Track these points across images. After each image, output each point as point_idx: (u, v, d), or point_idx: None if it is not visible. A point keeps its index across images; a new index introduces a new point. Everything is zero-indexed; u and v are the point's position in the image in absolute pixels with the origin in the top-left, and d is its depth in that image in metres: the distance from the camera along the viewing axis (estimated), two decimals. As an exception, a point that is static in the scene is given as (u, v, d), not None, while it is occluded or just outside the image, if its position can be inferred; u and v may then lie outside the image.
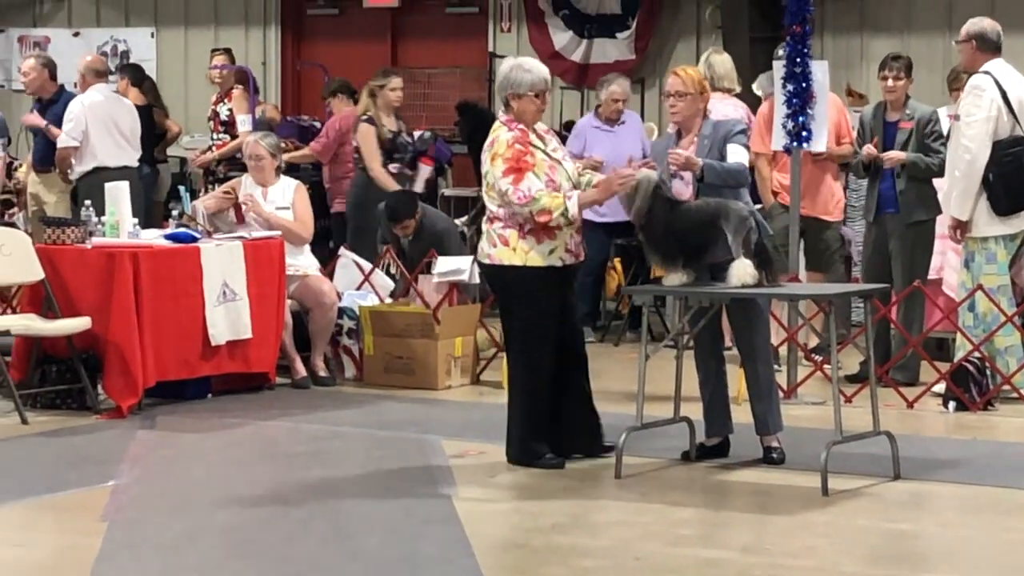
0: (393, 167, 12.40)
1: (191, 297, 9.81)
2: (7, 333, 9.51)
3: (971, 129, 9.75)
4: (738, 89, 11.92)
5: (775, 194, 11.14)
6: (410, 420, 9.51)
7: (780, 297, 8.58)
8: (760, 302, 8.24)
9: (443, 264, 10.98)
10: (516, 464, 8.16)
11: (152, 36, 16.95)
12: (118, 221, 10.04)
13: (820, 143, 10.19)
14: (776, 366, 8.96)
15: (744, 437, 8.33)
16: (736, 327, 8.31)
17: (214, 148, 13.77)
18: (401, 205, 11.53)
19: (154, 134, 14.17)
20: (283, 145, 11.88)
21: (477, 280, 10.83)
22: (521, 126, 8.14)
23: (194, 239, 10.11)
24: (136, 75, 14.38)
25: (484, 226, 8.25)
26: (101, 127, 12.48)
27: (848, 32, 14.58)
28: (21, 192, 13.84)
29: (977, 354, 9.83)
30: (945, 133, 10.45)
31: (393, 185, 12.19)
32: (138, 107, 13.23)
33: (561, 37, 15.45)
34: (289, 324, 10.49)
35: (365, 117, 12.40)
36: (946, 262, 10.98)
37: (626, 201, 8.05)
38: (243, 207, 10.69)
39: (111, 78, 13.59)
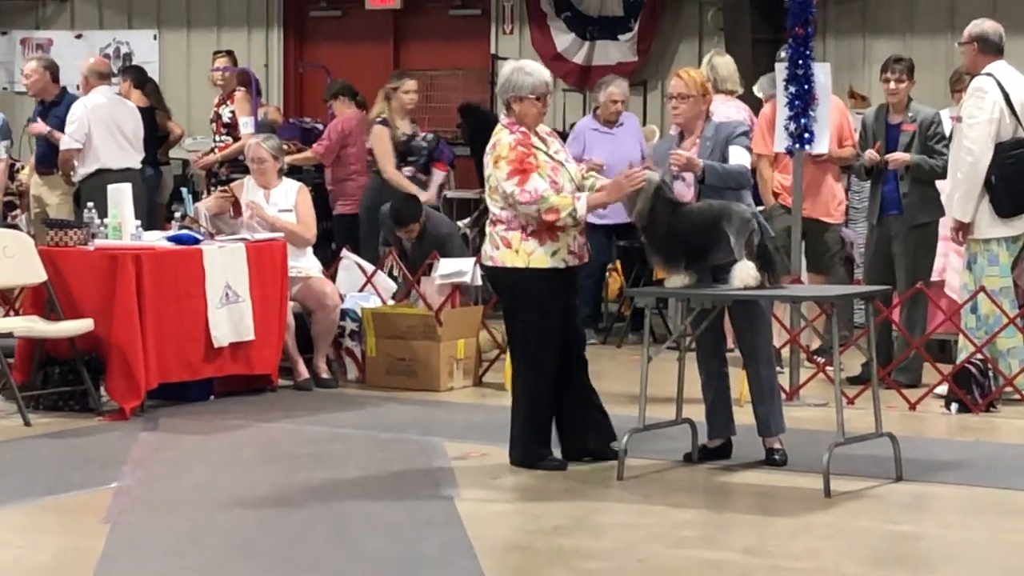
0: (407, 170, 12.40)
1: (193, 299, 9.82)
2: (10, 335, 9.51)
3: (973, 131, 9.75)
4: (741, 91, 11.93)
5: (776, 195, 11.13)
6: (412, 422, 9.52)
7: (782, 299, 8.58)
8: (762, 304, 8.24)
9: (445, 266, 10.98)
10: (518, 466, 8.16)
11: (154, 38, 16.95)
12: (120, 223, 10.04)
13: (822, 145, 10.19)
14: (778, 368, 8.95)
15: (746, 439, 8.34)
16: (738, 329, 8.32)
17: (216, 150, 13.77)
18: (406, 209, 11.54)
19: (156, 136, 14.17)
20: (285, 147, 11.89)
21: (479, 282, 10.84)
22: (523, 129, 8.14)
23: (196, 241, 10.12)
24: (138, 77, 14.39)
25: (487, 229, 8.26)
26: (104, 129, 12.49)
27: (850, 34, 14.57)
28: (24, 194, 13.85)
29: (979, 356, 9.83)
30: (947, 135, 10.46)
31: (408, 186, 12.18)
32: (140, 109, 13.23)
33: (563, 39, 15.45)
34: (291, 326, 10.50)
35: (379, 119, 12.41)
36: (948, 264, 10.97)
37: (628, 203, 8.06)
38: (245, 213, 10.68)
39: (114, 80, 13.59)
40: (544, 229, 8.04)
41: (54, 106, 12.88)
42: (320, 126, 14.12)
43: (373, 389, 10.56)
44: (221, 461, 8.49)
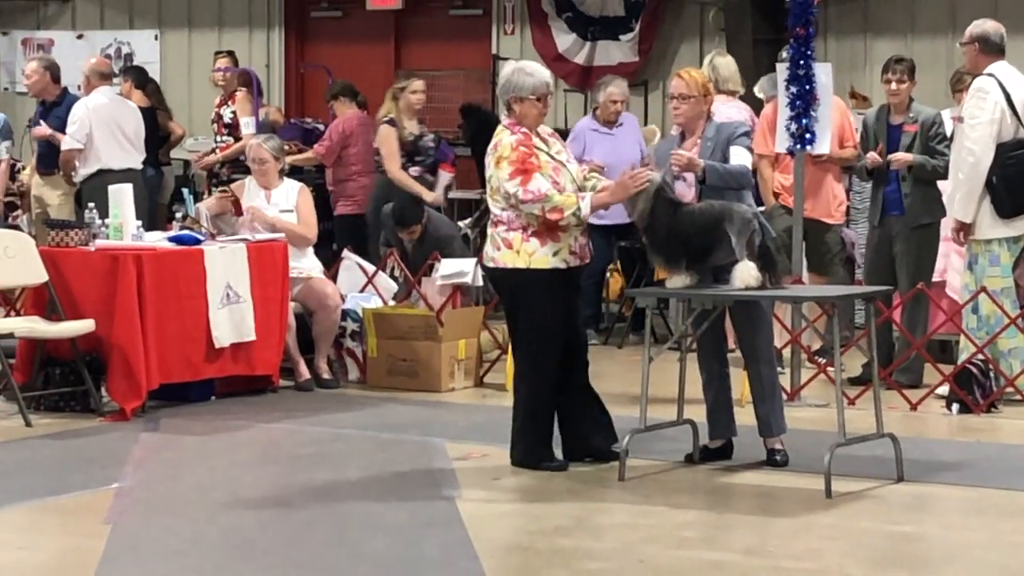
0: (414, 170, 12.39)
1: (195, 299, 9.82)
2: (11, 335, 9.51)
3: (975, 132, 9.75)
4: (742, 91, 11.93)
5: (776, 195, 11.13)
6: (413, 422, 9.52)
7: (783, 299, 8.58)
8: (763, 304, 8.24)
9: (446, 267, 10.98)
10: (519, 466, 8.16)
11: (156, 38, 16.95)
12: (122, 223, 10.04)
13: (823, 145, 10.18)
14: (779, 368, 8.95)
15: (747, 439, 8.33)
16: (739, 329, 8.31)
17: (217, 151, 13.77)
18: (408, 210, 11.55)
19: (158, 136, 14.17)
20: (286, 148, 11.89)
21: (480, 282, 10.84)
22: (524, 129, 8.14)
23: (197, 241, 10.12)
24: (140, 77, 14.39)
25: (488, 230, 8.26)
26: (105, 129, 12.49)
27: (851, 34, 14.57)
28: (25, 194, 13.85)
29: (980, 356, 9.83)
30: (948, 135, 10.46)
31: (413, 186, 12.17)
32: (142, 109, 13.23)
33: (564, 39, 15.44)
34: (292, 326, 10.50)
35: (387, 119, 12.40)
36: (949, 264, 10.97)
37: (629, 203, 8.06)
38: (245, 216, 10.68)
39: (115, 80, 13.59)
40: (545, 230, 8.04)
41: (55, 106, 12.88)
42: (321, 126, 14.12)
43: (374, 390, 10.56)
44: (222, 462, 8.49)
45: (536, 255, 8.05)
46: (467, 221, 13.12)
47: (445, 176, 12.89)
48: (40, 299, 9.76)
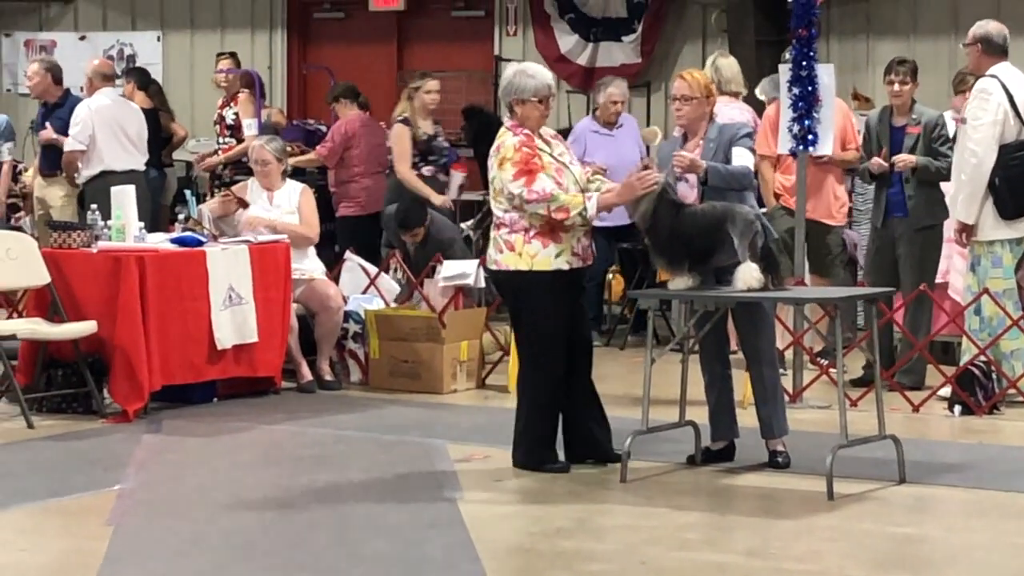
0: (427, 170, 12.37)
1: (197, 301, 9.82)
2: (13, 337, 9.51)
3: (977, 133, 9.75)
4: (744, 92, 11.93)
5: (777, 196, 11.13)
6: (415, 424, 9.52)
7: (786, 301, 8.58)
8: (766, 306, 8.24)
9: (448, 268, 10.98)
10: (521, 468, 8.16)
11: (158, 40, 16.95)
12: (124, 225, 10.04)
13: (826, 146, 10.18)
14: (781, 370, 8.95)
15: (749, 441, 8.33)
16: (741, 331, 8.31)
17: (220, 152, 13.78)
18: (412, 213, 11.55)
19: (160, 138, 14.18)
20: (289, 149, 11.89)
21: (482, 284, 10.84)
22: (526, 131, 8.14)
23: (200, 243, 10.12)
24: (142, 79, 14.39)
25: (491, 232, 8.26)
26: (108, 131, 12.50)
27: (854, 35, 14.56)
28: (27, 196, 13.86)
29: (983, 358, 9.83)
30: (951, 136, 10.46)
31: (421, 188, 12.15)
32: (144, 111, 13.24)
33: (567, 40, 15.44)
34: (295, 328, 10.50)
35: (401, 118, 12.40)
36: (952, 266, 10.97)
37: (631, 205, 8.06)
38: (248, 224, 10.68)
39: (117, 82, 13.60)
40: (547, 231, 8.04)
41: (57, 108, 12.89)
42: (324, 128, 14.13)
43: (376, 391, 10.56)
44: (224, 463, 8.49)
45: (538, 257, 8.05)
46: (469, 223, 13.12)
47: (458, 176, 12.89)
48: (42, 301, 9.77)
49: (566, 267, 8.10)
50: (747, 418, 8.48)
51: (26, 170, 14.13)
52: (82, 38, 17.09)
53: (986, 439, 9.13)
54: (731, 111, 11.06)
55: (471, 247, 12.52)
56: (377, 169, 13.15)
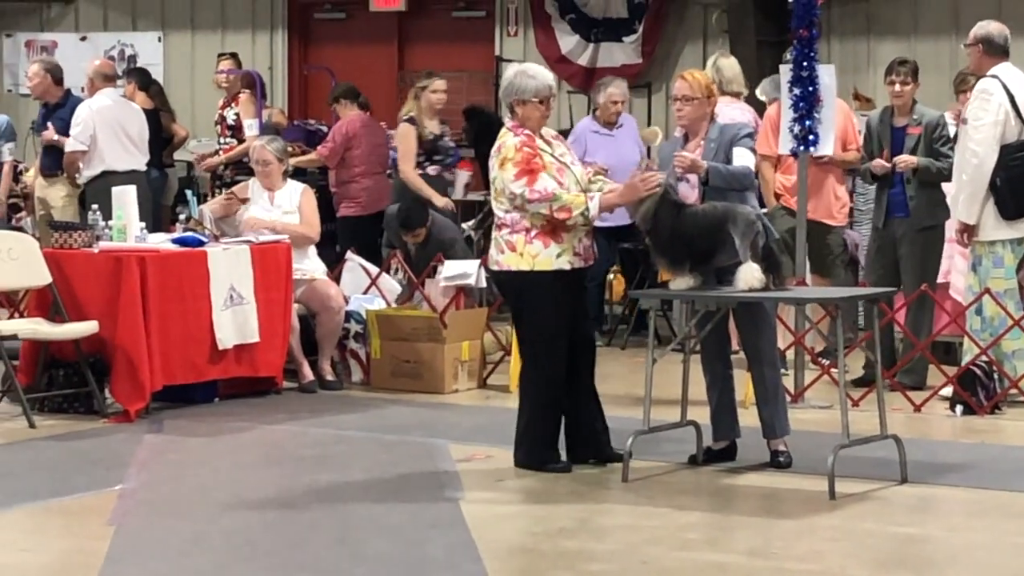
0: (432, 169, 12.36)
1: (198, 301, 9.82)
2: (14, 337, 9.51)
3: (978, 133, 9.75)
4: (746, 92, 11.92)
5: (777, 196, 11.13)
6: (417, 424, 9.52)
7: (787, 301, 8.58)
8: (767, 306, 8.24)
9: (450, 268, 10.98)
10: (523, 468, 8.16)
11: (159, 40, 16.95)
12: (125, 225, 10.05)
13: (827, 147, 10.18)
14: (783, 370, 8.95)
15: (751, 441, 8.33)
16: (743, 331, 8.31)
17: (221, 152, 13.78)
18: (414, 213, 11.54)
19: (161, 138, 14.18)
20: (289, 149, 11.88)
21: (483, 284, 10.84)
22: (527, 131, 8.15)
23: (201, 243, 10.12)
24: (143, 79, 14.40)
25: (493, 233, 8.26)
26: (109, 131, 12.50)
27: (855, 36, 14.56)
28: (28, 196, 13.86)
29: (984, 358, 9.83)
30: (951, 136, 10.46)
31: (424, 188, 12.14)
32: (145, 111, 13.25)
33: (568, 41, 15.44)
34: (296, 328, 10.50)
35: (407, 117, 12.39)
36: (953, 266, 10.97)
37: (633, 205, 8.06)
38: (248, 226, 10.68)
39: (118, 82, 13.60)
40: (548, 231, 8.04)
41: (58, 108, 12.89)
42: (324, 128, 14.13)
43: (377, 391, 10.56)
44: (226, 463, 8.50)
45: (540, 257, 8.06)
46: (470, 223, 13.12)
47: (464, 175, 12.88)
48: (44, 301, 9.77)
49: (568, 267, 8.10)
50: (748, 418, 8.48)
51: (27, 170, 14.13)
52: (83, 39, 17.10)
53: (988, 439, 9.13)
54: (732, 111, 11.06)
55: (472, 247, 12.51)
56: (378, 169, 13.15)
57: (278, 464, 8.57)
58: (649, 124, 14.31)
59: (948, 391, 9.97)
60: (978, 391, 9.79)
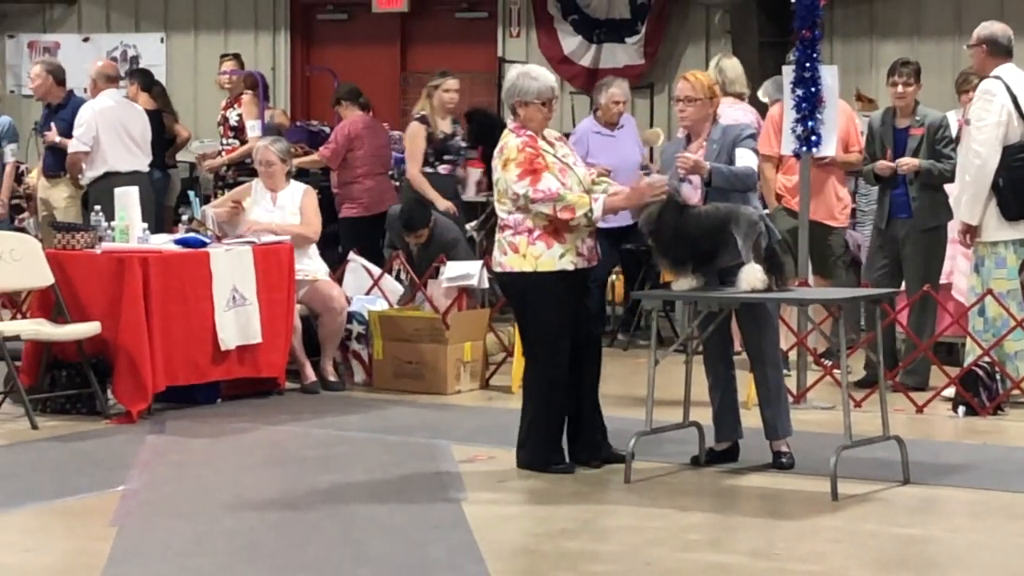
0: (443, 168, 12.36)
1: (201, 302, 9.82)
2: (17, 338, 9.51)
3: (981, 134, 9.74)
4: (748, 93, 11.92)
5: (779, 197, 11.13)
6: (419, 425, 9.52)
7: (789, 302, 8.58)
8: (769, 307, 8.24)
9: (452, 269, 10.98)
10: (526, 469, 8.16)
11: (162, 41, 16.96)
12: (128, 226, 10.05)
13: (829, 148, 10.18)
14: (785, 370, 8.95)
15: (753, 441, 8.33)
16: (745, 331, 8.31)
17: (223, 153, 13.78)
18: (417, 214, 11.54)
19: (164, 139, 14.18)
20: (292, 150, 11.88)
21: (486, 285, 10.84)
22: (529, 132, 8.15)
23: (203, 244, 10.13)
24: (146, 80, 14.40)
25: (496, 235, 8.27)
26: (112, 132, 12.51)
27: (857, 37, 14.56)
28: (31, 197, 13.86)
29: (987, 358, 9.82)
30: (953, 136, 10.46)
31: (428, 190, 12.13)
32: (148, 112, 13.25)
33: (570, 42, 15.44)
34: (298, 329, 10.50)
35: (418, 116, 12.38)
36: (956, 266, 10.97)
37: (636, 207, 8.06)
38: (248, 227, 10.68)
39: (121, 83, 13.61)
40: (551, 232, 8.04)
41: (60, 109, 12.90)
42: (327, 129, 14.12)
43: (380, 392, 10.56)
44: (228, 464, 8.50)
45: (542, 258, 8.06)
46: (473, 224, 13.12)
47: (475, 172, 12.87)
48: (46, 301, 9.77)
49: (571, 267, 8.10)
50: (751, 419, 8.48)
51: (30, 171, 14.14)
52: (86, 40, 17.10)
53: (990, 440, 9.13)
54: (735, 112, 11.06)
55: (475, 248, 12.51)
56: (380, 171, 13.15)
57: (280, 465, 8.57)
58: (651, 125, 14.31)
59: (950, 392, 9.97)
60: (980, 392, 9.79)
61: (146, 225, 10.21)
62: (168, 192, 14.42)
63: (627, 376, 10.77)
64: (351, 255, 11.68)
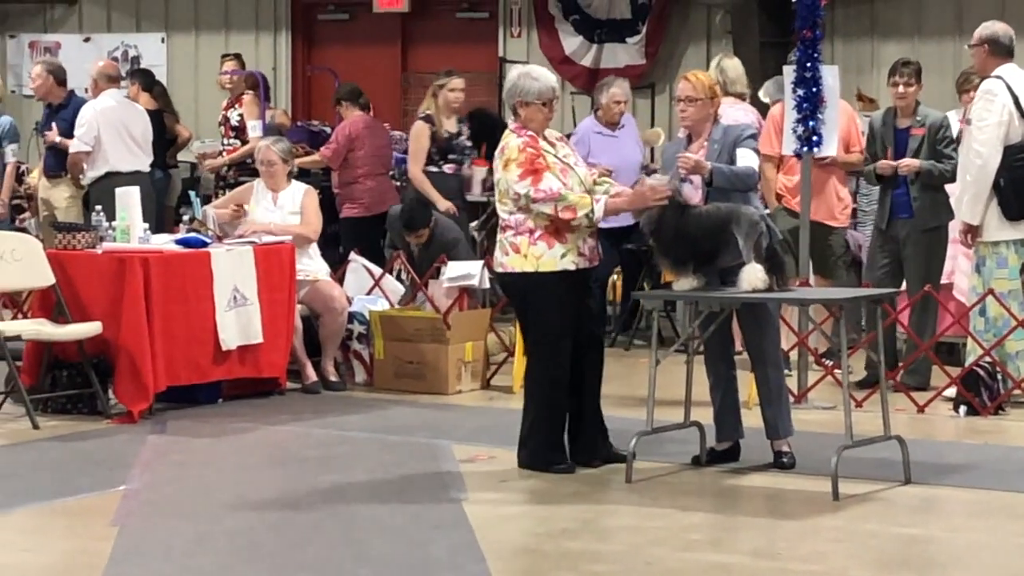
0: (448, 167, 12.36)
1: (202, 302, 9.82)
2: (18, 338, 9.52)
3: (982, 134, 9.74)
4: (749, 93, 11.92)
5: (779, 197, 11.12)
6: (420, 425, 9.52)
7: (790, 302, 8.58)
8: (770, 307, 8.24)
9: (453, 269, 10.98)
10: (527, 468, 8.16)
11: (163, 41, 16.96)
12: (129, 226, 10.05)
13: (830, 148, 10.18)
14: (786, 370, 8.95)
15: (754, 441, 8.33)
16: (746, 331, 8.31)
17: (224, 153, 13.78)
18: (417, 214, 11.54)
19: (165, 139, 14.19)
20: (293, 150, 11.89)
21: (487, 285, 10.84)
22: (530, 132, 8.15)
23: (204, 244, 10.13)
24: (147, 80, 14.40)
25: (497, 235, 8.27)
26: (113, 132, 12.51)
27: (858, 37, 14.56)
28: (32, 197, 13.87)
29: (988, 358, 9.82)
30: (954, 136, 10.46)
31: (429, 191, 12.13)
32: (149, 112, 13.25)
33: (571, 42, 15.44)
34: (299, 329, 10.50)
35: (423, 115, 12.38)
36: (957, 266, 10.97)
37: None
38: (248, 228, 10.68)
39: (122, 83, 13.61)
40: (552, 232, 8.04)
41: (61, 109, 12.91)
42: (328, 129, 14.12)
43: (381, 392, 10.56)
44: (229, 464, 8.50)
45: (544, 258, 8.06)
46: (474, 224, 13.12)
47: (480, 171, 12.87)
48: (47, 302, 9.77)
49: (572, 267, 8.10)
50: (752, 419, 8.48)
51: (30, 171, 14.15)
52: (86, 40, 17.11)
53: (991, 440, 9.13)
54: (735, 112, 11.06)
55: (476, 248, 12.51)
56: (380, 171, 13.15)
57: (281, 465, 8.57)
58: (653, 125, 14.31)
59: (952, 392, 9.97)
60: (982, 392, 9.79)
61: (147, 225, 10.21)
62: (169, 192, 14.43)
63: (628, 376, 10.77)
64: (352, 255, 11.68)
